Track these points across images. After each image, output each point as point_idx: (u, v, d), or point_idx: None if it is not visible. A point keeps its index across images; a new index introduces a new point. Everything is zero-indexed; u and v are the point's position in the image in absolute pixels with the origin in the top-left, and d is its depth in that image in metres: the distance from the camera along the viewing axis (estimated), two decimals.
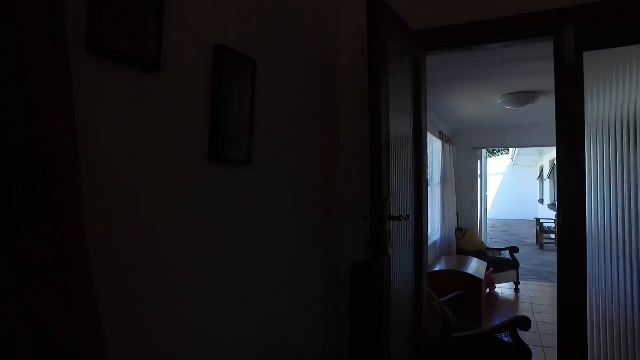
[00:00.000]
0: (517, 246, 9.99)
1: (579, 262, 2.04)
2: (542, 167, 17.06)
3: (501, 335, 2.81)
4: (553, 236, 10.45)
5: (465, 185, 7.15)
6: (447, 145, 6.33)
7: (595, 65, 2.02)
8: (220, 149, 1.37)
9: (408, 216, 1.67)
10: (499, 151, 25.66)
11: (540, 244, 10.21)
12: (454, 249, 6.18)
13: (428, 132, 5.88)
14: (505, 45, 2.41)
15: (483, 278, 4.40)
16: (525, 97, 4.44)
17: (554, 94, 4.45)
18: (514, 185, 19.85)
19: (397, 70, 1.95)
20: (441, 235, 5.99)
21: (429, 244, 5.76)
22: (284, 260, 1.70)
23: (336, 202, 2.21)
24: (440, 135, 6.10)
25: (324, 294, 2.09)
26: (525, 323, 2.80)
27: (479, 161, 7.18)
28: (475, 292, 4.27)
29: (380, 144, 1.49)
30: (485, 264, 5.16)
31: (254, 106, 1.53)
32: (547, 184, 15.63)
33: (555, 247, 8.15)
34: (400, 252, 1.80)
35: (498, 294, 5.48)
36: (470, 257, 5.39)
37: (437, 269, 4.62)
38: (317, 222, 1.98)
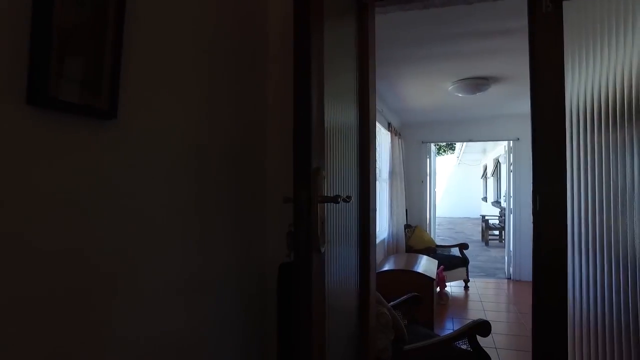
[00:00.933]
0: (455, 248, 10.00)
1: (559, 255, 1.68)
2: (486, 165, 17.49)
3: (459, 343, 2.45)
4: (497, 232, 10.55)
5: (415, 180, 6.90)
6: (395, 138, 6.02)
7: (574, 20, 1.67)
8: (46, 84, 0.84)
9: (349, 198, 1.22)
10: (445, 151, 26.26)
11: (486, 241, 10.26)
12: (403, 246, 5.88)
13: (377, 123, 5.54)
14: (468, 2, 2.02)
15: (434, 277, 4.09)
16: (476, 84, 4.18)
17: (506, 81, 4.17)
18: (459, 184, 20.27)
19: (336, 24, 1.50)
20: (389, 232, 5.67)
21: (377, 241, 5.43)
22: (175, 262, 1.17)
23: (263, 184, 1.70)
24: (389, 127, 5.78)
25: (246, 307, 1.59)
26: (484, 328, 2.45)
27: (428, 156, 6.96)
28: (427, 292, 3.94)
29: (307, 84, 1.02)
30: (436, 262, 4.87)
31: (122, 29, 1.01)
32: (491, 182, 16.00)
33: (499, 243, 8.08)
34: (339, 249, 1.36)
35: (448, 292, 5.23)
36: (420, 255, 5.10)
37: (385, 268, 4.25)
38: (232, 210, 1.45)
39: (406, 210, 6.69)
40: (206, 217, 1.30)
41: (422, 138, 6.87)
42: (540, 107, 1.74)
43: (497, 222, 11.11)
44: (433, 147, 7.43)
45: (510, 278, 6.50)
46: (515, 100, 5.28)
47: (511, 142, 6.50)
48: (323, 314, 1.11)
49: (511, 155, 6.52)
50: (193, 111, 1.27)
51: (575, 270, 1.67)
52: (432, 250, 5.56)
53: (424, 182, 6.85)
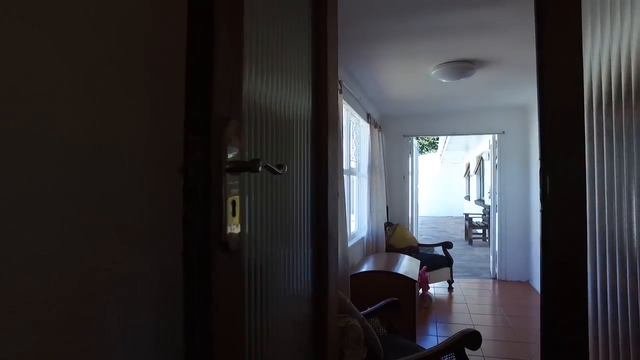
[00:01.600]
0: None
1: (576, 253, 1.32)
2: (469, 164, 17.32)
3: (444, 358, 2.08)
4: (480, 231, 10.30)
5: (396, 176, 6.55)
6: (375, 131, 5.66)
7: None
8: None
9: (282, 167, 0.83)
10: (427, 149, 26.17)
11: (470, 239, 10.00)
12: (383, 246, 5.52)
13: (355, 113, 5.18)
14: None
15: (416, 278, 3.72)
16: (461, 69, 3.84)
17: (493, 66, 3.82)
18: (442, 183, 20.09)
19: None
20: (369, 230, 5.30)
21: (355, 240, 5.06)
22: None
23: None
24: (368, 119, 5.42)
25: (156, 322, 1.19)
26: (474, 340, 2.09)
27: (410, 151, 6.62)
28: (409, 296, 3.58)
29: None
30: (418, 261, 4.52)
31: None
32: (474, 180, 15.82)
33: (483, 242, 7.78)
34: (277, 247, 0.96)
35: (432, 295, 4.89)
36: (402, 255, 4.74)
37: (363, 269, 3.87)
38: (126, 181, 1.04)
39: (387, 207, 6.34)
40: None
41: (403, 131, 6.52)
42: (550, 67, 1.36)
43: (480, 220, 10.87)
44: (415, 142, 7.10)
45: (496, 278, 6.21)
46: (501, 90, 4.97)
47: (496, 135, 6.21)
48: (240, 346, 0.72)
49: (496, 149, 6.23)
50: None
51: (598, 275, 1.30)
52: (414, 249, 5.22)
53: (405, 178, 6.51)
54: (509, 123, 6.11)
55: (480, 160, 13.67)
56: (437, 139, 18.83)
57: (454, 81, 4.17)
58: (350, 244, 4.56)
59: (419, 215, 7.21)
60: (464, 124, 6.32)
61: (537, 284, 5.55)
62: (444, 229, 13.83)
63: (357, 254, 4.78)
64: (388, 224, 6.05)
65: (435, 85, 4.64)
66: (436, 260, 5.47)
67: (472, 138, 10.88)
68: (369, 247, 5.29)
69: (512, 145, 6.10)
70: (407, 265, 4.19)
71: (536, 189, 5.78)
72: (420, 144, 27.45)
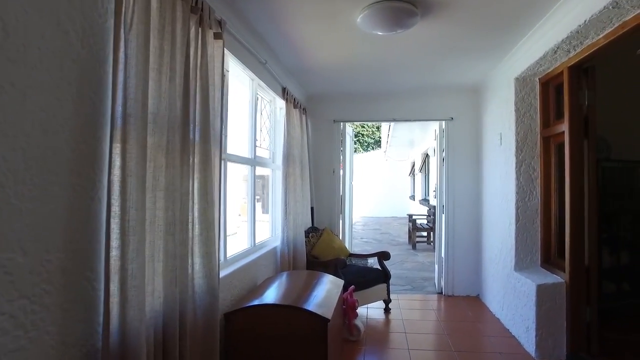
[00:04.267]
0: (388, 249, 8.65)
1: None
2: (414, 162, 16.61)
3: None
4: (425, 234, 9.40)
5: (325, 170, 5.36)
6: (295, 112, 4.44)
7: None
8: None
9: None
10: (373, 147, 25.46)
11: (413, 243, 9.05)
12: (303, 258, 4.31)
13: (261, 83, 3.91)
14: None
15: (330, 315, 2.52)
16: (398, 13, 2.70)
17: (442, 12, 2.72)
18: (387, 182, 19.33)
19: None
20: (283, 238, 4.07)
21: (260, 254, 3.80)
22: None
23: None
24: (285, 94, 4.18)
25: None
26: None
27: (342, 139, 5.45)
28: (317, 342, 2.38)
29: None
30: (341, 283, 3.33)
31: None
32: (419, 178, 15.09)
33: (428, 246, 6.55)
34: None
35: (361, 324, 3.73)
36: (321, 275, 3.54)
37: (254, 302, 2.62)
38: None
39: (312, 208, 5.14)
40: None
41: (334, 116, 5.35)
42: None
43: (425, 222, 9.99)
44: (349, 129, 5.95)
45: (442, 293, 5.19)
46: (451, 59, 3.90)
47: (443, 123, 5.19)
48: None
49: (444, 139, 5.20)
50: None
51: None
52: (340, 263, 4.04)
53: (335, 172, 5.34)
54: (458, 107, 5.11)
55: (426, 157, 12.88)
56: (380, 136, 18.03)
57: (388, 33, 3.01)
58: (249, 260, 3.30)
59: (362, 215, 6.06)
60: (406, 109, 5.24)
61: (488, 299, 4.56)
62: (387, 231, 12.92)
63: (262, 272, 3.53)
64: (313, 230, 4.85)
65: (366, 44, 3.48)
66: (370, 275, 4.33)
67: (416, 131, 9.96)
68: (285, 261, 4.06)
69: (461, 134, 5.10)
70: (325, 292, 2.99)
71: (490, 187, 4.82)
72: (366, 142, 26.75)
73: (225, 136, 2.97)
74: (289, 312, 2.49)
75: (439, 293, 5.24)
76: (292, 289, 3.05)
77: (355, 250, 8.96)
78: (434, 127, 5.78)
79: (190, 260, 2.05)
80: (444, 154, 5.20)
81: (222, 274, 2.73)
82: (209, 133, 2.21)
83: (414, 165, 16.72)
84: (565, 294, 3.21)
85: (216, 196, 2.27)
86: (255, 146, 3.77)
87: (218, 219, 2.32)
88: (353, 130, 6.47)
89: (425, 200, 12.48)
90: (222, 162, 2.93)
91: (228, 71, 3.05)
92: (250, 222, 3.70)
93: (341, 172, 5.48)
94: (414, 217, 9.50)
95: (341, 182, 5.47)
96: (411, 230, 9.14)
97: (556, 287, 3.23)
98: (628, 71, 4.27)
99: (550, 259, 3.65)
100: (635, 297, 4.29)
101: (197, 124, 2.13)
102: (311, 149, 5.31)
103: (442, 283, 5.18)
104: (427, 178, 12.95)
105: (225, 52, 2.53)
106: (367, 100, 5.28)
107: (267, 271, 3.70)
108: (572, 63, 3.14)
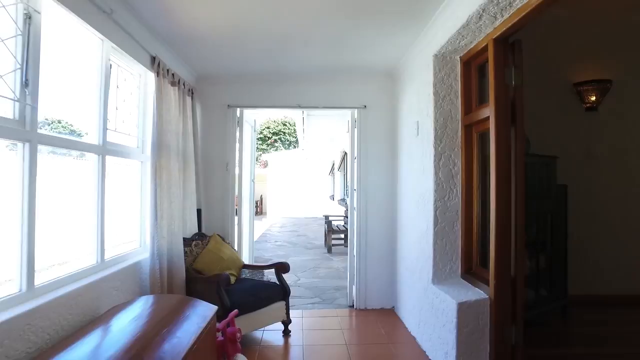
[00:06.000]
0: (302, 253, 7.93)
1: None
2: (334, 161, 16.17)
3: None
4: (343, 236, 8.83)
5: (217, 165, 4.48)
6: (174, 90, 3.53)
7: None
8: None
9: None
10: (294, 146, 24.79)
11: (329, 247, 8.42)
12: (181, 274, 3.40)
13: (114, 46, 2.80)
14: None
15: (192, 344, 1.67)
16: None
17: None
18: (307, 181, 18.72)
19: None
20: (153, 250, 3.14)
21: (113, 269, 2.81)
22: None
23: None
24: (155, 65, 3.25)
25: None
26: None
27: (238, 128, 4.59)
28: None
29: None
30: (213, 309, 2.47)
31: None
32: (338, 177, 14.63)
33: (345, 249, 5.22)
34: None
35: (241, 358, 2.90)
36: (194, 302, 2.66)
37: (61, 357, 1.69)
38: None
39: (199, 211, 4.23)
40: None
41: (229, 101, 4.48)
42: None
43: (342, 223, 9.43)
44: (250, 116, 5.09)
45: (353, 306, 4.54)
46: (366, 28, 3.23)
47: (356, 112, 4.55)
48: None
49: (356, 130, 4.56)
50: None
51: None
52: (222, 280, 3.16)
53: (229, 167, 4.47)
54: (372, 94, 4.50)
55: (345, 154, 12.42)
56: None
57: None
58: (85, 283, 2.36)
59: (253, 219, 5.23)
60: (313, 94, 4.53)
61: (404, 313, 3.98)
62: (305, 233, 12.25)
63: (107, 301, 2.57)
64: (199, 237, 3.95)
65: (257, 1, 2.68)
66: (264, 293, 3.53)
67: (333, 125, 9.36)
68: (154, 281, 3.13)
69: (376, 124, 4.49)
70: (193, 326, 2.13)
71: (407, 184, 4.14)
72: (287, 140, 26.02)
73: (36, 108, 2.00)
74: None
75: (350, 306, 4.58)
76: (147, 328, 2.14)
77: (267, 256, 8.14)
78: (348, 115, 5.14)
79: None
80: (356, 147, 4.55)
81: (18, 310, 1.80)
82: None
83: (334, 165, 16.29)
84: (489, 313, 2.66)
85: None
86: (106, 129, 2.79)
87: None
88: (256, 121, 5.63)
89: (342, 200, 12.01)
90: (29, 145, 1.98)
91: (39, 12, 2.07)
92: (97, 230, 2.72)
93: (237, 168, 4.61)
94: (330, 218, 8.86)
95: (236, 179, 4.60)
96: (327, 232, 8.50)
97: (479, 305, 2.66)
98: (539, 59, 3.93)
99: (472, 269, 3.11)
100: (552, 303, 3.95)
101: None
102: (200, 139, 4.39)
103: (354, 294, 4.54)
104: (345, 177, 12.49)
105: None
106: (268, 83, 4.48)
107: (120, 295, 2.75)
108: (498, 34, 2.59)
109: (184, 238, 3.69)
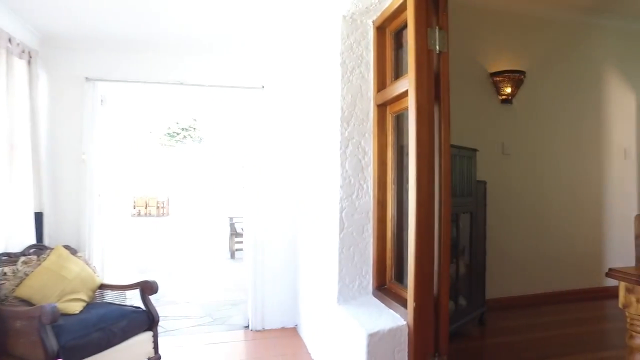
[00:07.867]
0: (203, 259, 7.02)
1: None
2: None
3: None
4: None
5: (70, 156, 3.45)
6: (12, 58, 2.49)
7: None
8: None
9: None
10: (203, 141, 23.34)
11: (232, 252, 7.56)
12: None
13: None
14: None
15: None
16: None
17: None
18: (215, 179, 17.49)
19: None
20: None
21: None
22: None
23: None
24: None
25: None
26: None
27: (94, 104, 3.53)
28: None
29: None
30: None
31: None
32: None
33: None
34: None
35: None
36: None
37: None
38: None
39: (40, 215, 3.18)
40: None
41: (87, 72, 3.48)
42: None
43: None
44: (112, 88, 3.95)
45: (248, 327, 3.78)
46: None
47: (253, 92, 3.78)
48: None
49: (252, 115, 3.80)
50: None
51: None
52: (46, 314, 2.19)
53: (86, 158, 3.46)
54: (272, 71, 3.77)
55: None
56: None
57: None
58: None
59: (121, 223, 4.23)
60: (199, 69, 3.69)
61: (307, 335, 3.31)
62: (209, 234, 11.18)
63: None
64: (36, 250, 2.92)
65: None
66: (118, 324, 2.61)
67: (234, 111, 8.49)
68: None
69: (276, 107, 3.77)
70: None
71: (309, 180, 3.31)
72: (199, 136, 24.40)
73: None
74: None
75: (245, 327, 3.81)
76: None
77: (154, 267, 6.99)
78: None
79: None
80: (250, 135, 3.79)
81: None
82: None
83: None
84: (407, 343, 2.07)
85: None
86: None
87: None
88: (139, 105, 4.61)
89: None
90: None
91: None
92: None
93: (90, 159, 3.59)
94: (234, 219, 7.96)
95: (92, 174, 3.56)
96: (230, 235, 7.62)
97: (395, 334, 2.05)
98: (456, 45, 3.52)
99: (385, 284, 2.51)
100: (472, 312, 3.55)
101: None
102: (45, 122, 3.34)
103: (250, 312, 3.78)
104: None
105: None
106: (140, 52, 3.55)
107: None
108: None
109: (5, 253, 2.66)
